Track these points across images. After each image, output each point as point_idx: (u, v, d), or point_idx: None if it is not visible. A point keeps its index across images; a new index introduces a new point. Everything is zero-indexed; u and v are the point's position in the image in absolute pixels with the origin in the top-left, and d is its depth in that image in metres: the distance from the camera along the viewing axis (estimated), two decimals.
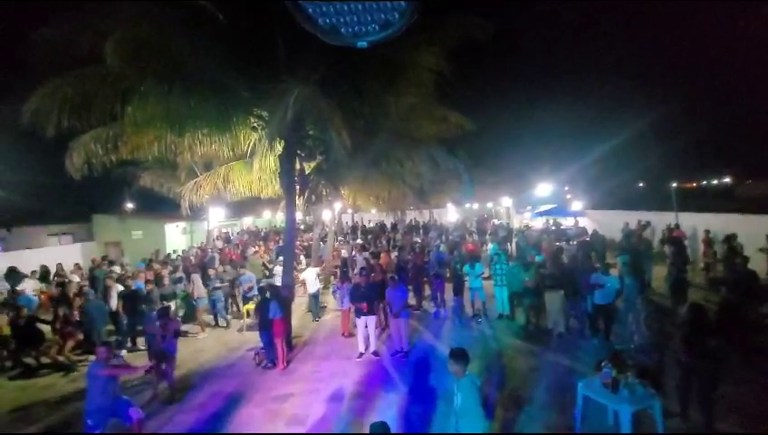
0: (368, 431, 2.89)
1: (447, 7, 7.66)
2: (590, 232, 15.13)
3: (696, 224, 12.71)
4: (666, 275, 8.84)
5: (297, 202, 8.67)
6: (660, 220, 14.01)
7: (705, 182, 40.51)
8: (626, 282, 7.43)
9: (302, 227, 21.66)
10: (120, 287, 9.13)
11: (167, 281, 9.96)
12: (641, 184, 38.30)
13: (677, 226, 12.93)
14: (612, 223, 15.98)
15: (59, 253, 15.09)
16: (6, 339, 7.48)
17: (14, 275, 11.36)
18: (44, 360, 7.63)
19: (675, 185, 14.11)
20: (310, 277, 10.10)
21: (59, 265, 12.09)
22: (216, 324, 9.82)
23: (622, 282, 7.54)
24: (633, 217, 15.34)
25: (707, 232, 11.32)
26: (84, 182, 8.01)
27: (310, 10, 1.21)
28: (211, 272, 10.24)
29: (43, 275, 11.68)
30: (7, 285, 10.73)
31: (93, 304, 8.25)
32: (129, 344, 8.49)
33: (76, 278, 11.61)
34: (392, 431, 2.97)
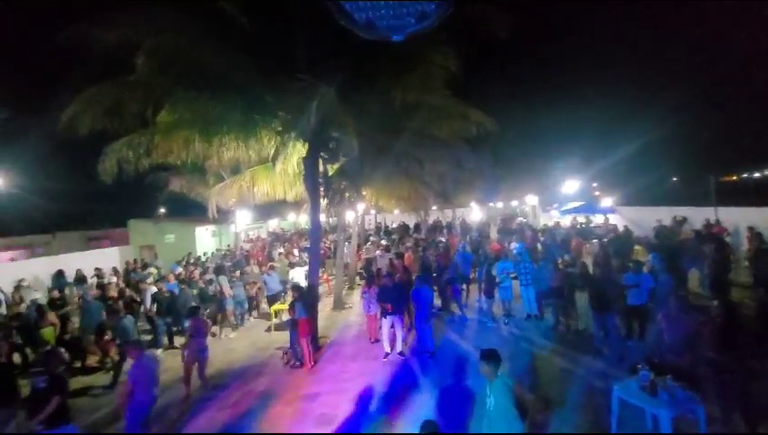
0: (396, 432, 2.88)
1: (468, 2, 7.54)
2: (620, 229, 14.59)
3: (736, 219, 12.03)
4: (700, 274, 8.41)
5: (321, 204, 8.77)
6: (698, 216, 13.33)
7: (746, 175, 38.25)
8: (660, 280, 7.09)
9: (326, 228, 21.91)
10: (154, 289, 9.50)
11: (201, 283, 10.30)
12: (676, 178, 36.59)
13: (717, 221, 12.28)
14: (645, 220, 15.34)
15: (98, 256, 15.85)
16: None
17: (61, 279, 12.01)
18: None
19: (713, 178, 13.36)
20: (299, 277, 10.20)
21: (98, 269, 12.69)
22: (241, 324, 10.05)
23: (655, 281, 7.22)
24: (668, 213, 14.68)
25: (751, 229, 10.68)
26: (120, 188, 8.40)
27: (347, 6, 1.22)
28: (236, 275, 10.54)
29: (79, 279, 12.30)
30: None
31: (92, 306, 8.42)
32: (165, 343, 8.82)
33: (114, 280, 12.18)
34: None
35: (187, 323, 6.65)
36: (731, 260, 9.62)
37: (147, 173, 9.69)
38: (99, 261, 14.13)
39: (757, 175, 37.35)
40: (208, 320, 7.97)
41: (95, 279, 12.15)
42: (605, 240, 12.56)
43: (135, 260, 15.35)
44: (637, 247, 12.09)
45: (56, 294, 9.56)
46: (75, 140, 7.03)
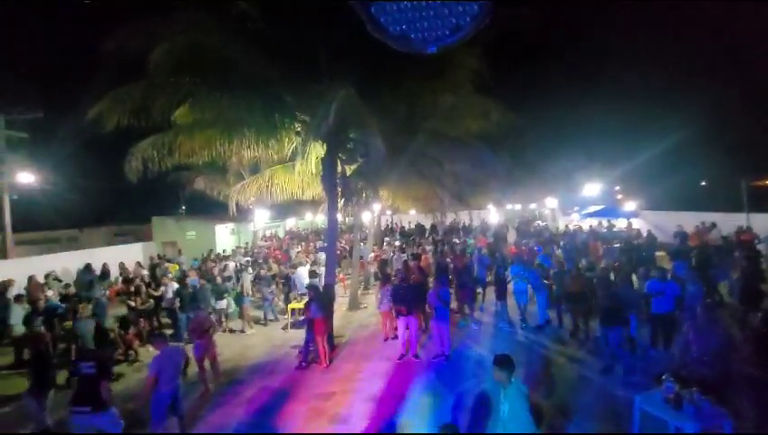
0: (412, 433, 2.87)
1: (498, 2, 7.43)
2: (644, 234, 14.14)
3: None
4: (729, 283, 8.04)
5: (338, 204, 8.83)
6: (728, 222, 12.80)
7: None
8: (689, 289, 6.82)
9: (342, 228, 22.05)
10: (176, 285, 9.75)
11: (219, 279, 10.52)
12: (704, 183, 35.22)
13: (749, 228, 11.77)
14: (670, 225, 14.83)
15: (123, 252, 16.38)
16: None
17: (87, 273, 12.43)
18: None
19: (745, 183, 12.82)
20: (302, 274, 10.25)
21: (121, 264, 13.12)
22: (265, 322, 10.19)
23: (681, 289, 6.95)
24: (695, 219, 14.15)
25: None
26: (145, 186, 8.66)
27: (381, 18, 1.22)
28: (262, 272, 10.73)
29: (104, 274, 12.73)
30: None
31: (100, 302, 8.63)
32: (186, 337, 9.04)
33: (144, 272, 12.60)
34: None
35: (192, 320, 6.81)
36: (763, 269, 9.20)
37: (170, 172, 9.96)
38: (123, 256, 14.59)
39: None
40: (210, 317, 8.09)
41: (119, 274, 12.56)
42: (622, 245, 12.16)
43: (159, 255, 15.81)
44: (659, 253, 11.71)
45: (72, 290, 9.80)
46: (103, 138, 7.32)
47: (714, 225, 13.19)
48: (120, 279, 11.84)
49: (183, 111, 8.05)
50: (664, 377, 4.19)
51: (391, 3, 1.18)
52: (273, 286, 10.76)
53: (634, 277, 8.13)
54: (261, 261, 13.43)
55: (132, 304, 8.85)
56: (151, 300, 9.39)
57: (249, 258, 13.82)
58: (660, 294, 6.57)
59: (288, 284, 10.95)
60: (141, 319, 8.55)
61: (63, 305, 8.93)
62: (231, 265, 12.91)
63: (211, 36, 6.86)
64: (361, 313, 10.67)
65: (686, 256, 9.38)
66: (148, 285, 10.06)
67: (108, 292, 12.33)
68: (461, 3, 1.17)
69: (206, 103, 7.44)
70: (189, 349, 6.41)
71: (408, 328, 7.25)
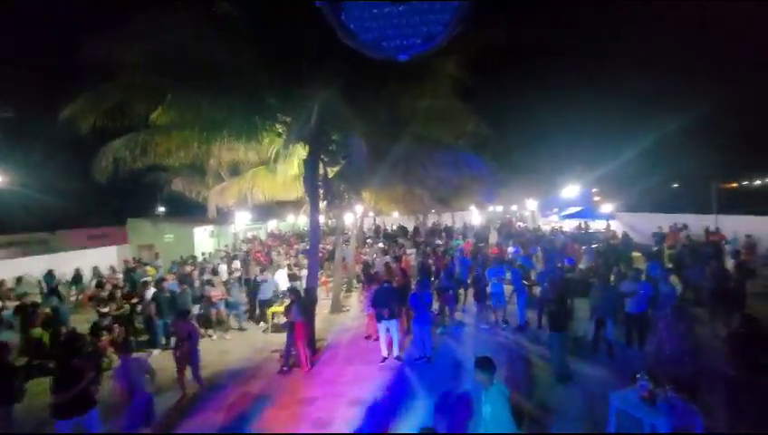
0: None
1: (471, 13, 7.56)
2: (620, 235, 14.57)
3: (737, 227, 12.01)
4: (697, 283, 8.34)
5: (320, 206, 8.76)
6: (699, 223, 13.32)
7: (746, 182, 38.18)
8: (662, 290, 7.04)
9: (325, 229, 21.89)
10: (153, 289, 9.48)
11: (197, 283, 10.28)
12: (676, 185, 36.56)
13: (717, 229, 12.27)
14: (644, 226, 15.33)
15: (96, 255, 15.84)
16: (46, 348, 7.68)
17: (51, 279, 11.95)
18: None
19: (714, 185, 13.35)
20: (281, 278, 10.14)
21: (95, 268, 12.68)
22: (240, 328, 9.97)
23: (655, 289, 7.17)
24: (668, 220, 14.68)
25: (749, 236, 10.68)
26: (121, 187, 8.39)
27: (352, 25, 1.20)
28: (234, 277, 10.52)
29: (76, 278, 12.26)
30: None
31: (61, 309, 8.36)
32: (163, 343, 8.79)
33: (119, 276, 12.18)
34: None
35: (176, 326, 6.63)
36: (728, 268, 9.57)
37: (147, 172, 9.69)
38: (97, 260, 14.11)
39: (758, 182, 37.27)
40: (194, 323, 7.89)
41: (93, 279, 12.14)
42: (599, 247, 12.49)
43: (134, 259, 15.34)
44: (635, 254, 12.08)
45: (28, 299, 9.20)
46: (77, 138, 7.05)
47: (685, 226, 13.72)
48: (94, 284, 11.45)
49: (160, 112, 7.83)
50: (638, 376, 4.31)
51: (361, 10, 1.17)
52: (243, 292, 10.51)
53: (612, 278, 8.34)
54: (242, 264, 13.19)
55: (105, 309, 8.55)
56: (126, 305, 9.09)
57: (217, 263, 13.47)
58: (634, 293, 6.77)
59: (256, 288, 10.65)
60: (116, 325, 8.25)
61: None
62: (224, 267, 12.61)
63: (192, 37, 6.70)
64: (344, 315, 10.61)
65: (660, 256, 9.71)
66: (122, 290, 9.75)
67: (80, 297, 11.96)
68: (432, 12, 1.17)
69: (185, 104, 7.26)
70: (166, 356, 6.26)
71: (388, 331, 7.24)
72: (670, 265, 9.66)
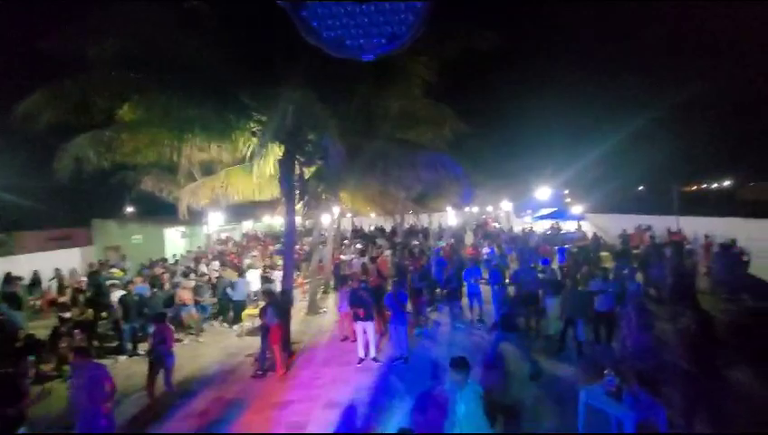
0: None
1: (449, 16, 7.67)
2: (590, 236, 15.11)
3: (696, 228, 12.68)
4: (661, 281, 8.74)
5: (297, 207, 8.64)
6: (662, 224, 13.97)
7: (705, 185, 40.43)
8: (629, 288, 7.33)
9: (301, 230, 21.61)
10: (122, 292, 9.08)
11: (167, 286, 9.93)
12: (641, 187, 38.27)
13: (679, 230, 12.91)
14: (611, 227, 15.95)
15: (58, 257, 15.04)
16: None
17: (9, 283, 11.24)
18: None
19: (676, 188, 14.03)
20: (254, 279, 10.07)
21: (57, 271, 12.02)
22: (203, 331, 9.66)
23: (622, 287, 7.47)
24: (633, 221, 15.33)
25: (707, 237, 11.29)
26: (86, 186, 7.98)
27: (314, 22, 1.18)
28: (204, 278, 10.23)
29: (34, 282, 11.59)
30: None
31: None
32: (130, 349, 8.44)
33: (82, 279, 11.56)
34: None
35: (151, 329, 6.37)
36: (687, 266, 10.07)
37: (114, 172, 9.27)
38: (59, 262, 13.40)
39: (716, 185, 39.50)
40: (171, 327, 7.63)
41: (54, 282, 11.51)
42: (573, 248, 12.93)
43: (99, 261, 14.66)
44: (603, 254, 12.55)
45: None
46: (38, 133, 6.67)
47: (649, 227, 14.37)
48: (56, 287, 10.86)
49: (127, 108, 7.51)
50: (606, 371, 4.47)
51: (324, 8, 1.15)
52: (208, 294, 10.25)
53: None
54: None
55: (67, 314, 8.12)
56: (89, 310, 8.66)
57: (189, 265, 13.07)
58: (603, 292, 7.03)
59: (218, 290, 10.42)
60: (77, 331, 7.80)
61: None
62: (203, 268, 12.21)
63: (159, 31, 6.47)
64: (320, 317, 10.52)
65: (627, 256, 10.12)
66: (85, 294, 9.28)
67: (40, 302, 11.33)
68: (396, 13, 1.16)
69: (154, 100, 7.00)
70: (133, 363, 6.00)
71: (365, 332, 7.23)
72: (635, 265, 10.08)
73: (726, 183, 37.73)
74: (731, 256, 9.35)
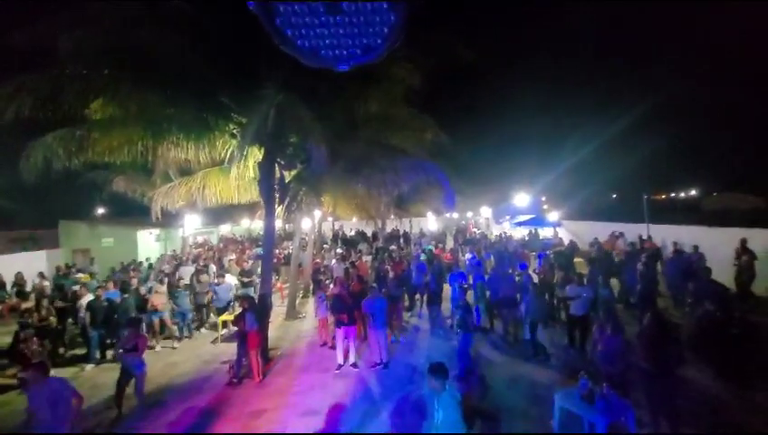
0: None
1: (432, 26, 7.79)
2: (566, 242, 15.50)
3: (665, 235, 13.18)
4: (632, 287, 9.05)
5: (277, 210, 8.52)
6: (633, 232, 14.46)
7: (673, 194, 42.28)
8: (601, 293, 7.53)
9: (281, 234, 21.34)
10: (90, 297, 8.70)
11: (142, 290, 9.56)
12: (614, 195, 39.67)
13: (650, 237, 13.38)
14: (586, 233, 16.40)
15: (22, 260, 14.29)
16: None
17: None
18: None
19: (646, 197, 14.56)
20: (230, 283, 9.97)
21: (18, 274, 11.40)
22: (182, 337, 9.36)
23: (595, 293, 7.66)
24: (607, 229, 15.80)
25: (675, 244, 11.74)
26: (52, 185, 7.62)
27: (288, 32, 1.17)
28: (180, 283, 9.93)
29: None
30: None
31: None
32: (98, 357, 8.08)
33: (46, 283, 11.01)
34: None
35: (124, 334, 6.11)
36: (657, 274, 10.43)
37: (85, 171, 8.89)
38: (22, 266, 12.74)
39: (683, 195, 41.37)
40: (144, 334, 7.34)
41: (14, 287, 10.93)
42: (550, 253, 13.22)
43: (66, 265, 14.03)
44: (577, 260, 12.88)
45: None
46: (1, 130, 6.32)
47: (621, 234, 14.85)
48: (15, 292, 10.30)
49: (99, 105, 7.23)
50: (579, 375, 4.58)
51: (297, 17, 1.14)
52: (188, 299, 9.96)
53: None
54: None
55: (30, 320, 7.70)
56: (51, 318, 8.22)
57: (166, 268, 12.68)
58: (577, 297, 7.20)
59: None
60: (35, 338, 7.33)
61: None
62: (187, 269, 11.81)
63: (137, 28, 6.28)
64: (299, 322, 10.37)
65: (601, 262, 10.40)
66: (48, 298, 8.82)
67: (1, 307, 10.73)
68: (370, 25, 1.17)
69: (128, 98, 6.77)
70: (100, 371, 5.72)
71: (346, 337, 7.16)
72: (612, 271, 10.37)
73: (692, 192, 39.57)
74: (682, 260, 9.79)
